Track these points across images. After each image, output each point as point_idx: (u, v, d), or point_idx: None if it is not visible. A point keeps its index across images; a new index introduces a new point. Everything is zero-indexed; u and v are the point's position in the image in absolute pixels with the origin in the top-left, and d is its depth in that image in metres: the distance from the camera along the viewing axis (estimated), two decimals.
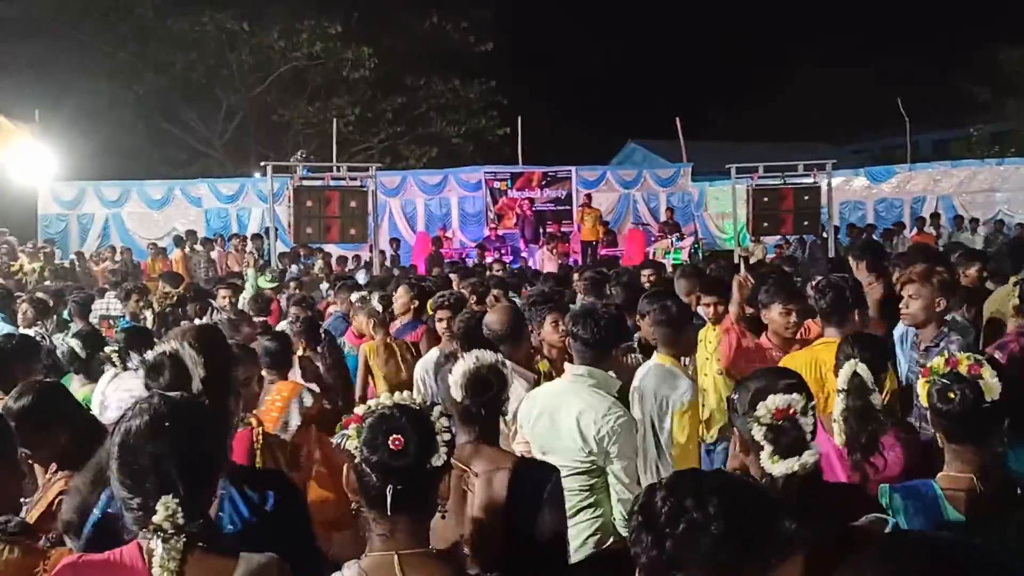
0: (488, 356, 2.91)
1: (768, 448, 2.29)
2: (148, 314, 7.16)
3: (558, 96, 34.74)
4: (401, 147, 28.31)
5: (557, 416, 3.63)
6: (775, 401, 2.32)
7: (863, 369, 3.19)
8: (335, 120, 21.58)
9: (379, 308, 6.19)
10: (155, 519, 1.90)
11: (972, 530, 2.38)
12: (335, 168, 15.68)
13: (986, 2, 33.43)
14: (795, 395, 2.34)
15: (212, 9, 24.99)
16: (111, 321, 9.22)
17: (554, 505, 2.80)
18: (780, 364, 4.26)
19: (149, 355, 2.63)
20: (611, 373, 3.84)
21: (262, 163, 16.68)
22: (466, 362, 2.87)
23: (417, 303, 6.72)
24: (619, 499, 3.54)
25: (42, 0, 23.50)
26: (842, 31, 38.27)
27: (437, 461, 2.06)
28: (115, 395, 4.85)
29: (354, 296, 7.36)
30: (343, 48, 26.38)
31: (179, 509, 1.90)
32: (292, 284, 11.47)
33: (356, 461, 2.04)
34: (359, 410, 2.10)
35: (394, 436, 2.01)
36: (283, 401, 4.91)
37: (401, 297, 6.76)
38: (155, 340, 6.73)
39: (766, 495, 1.80)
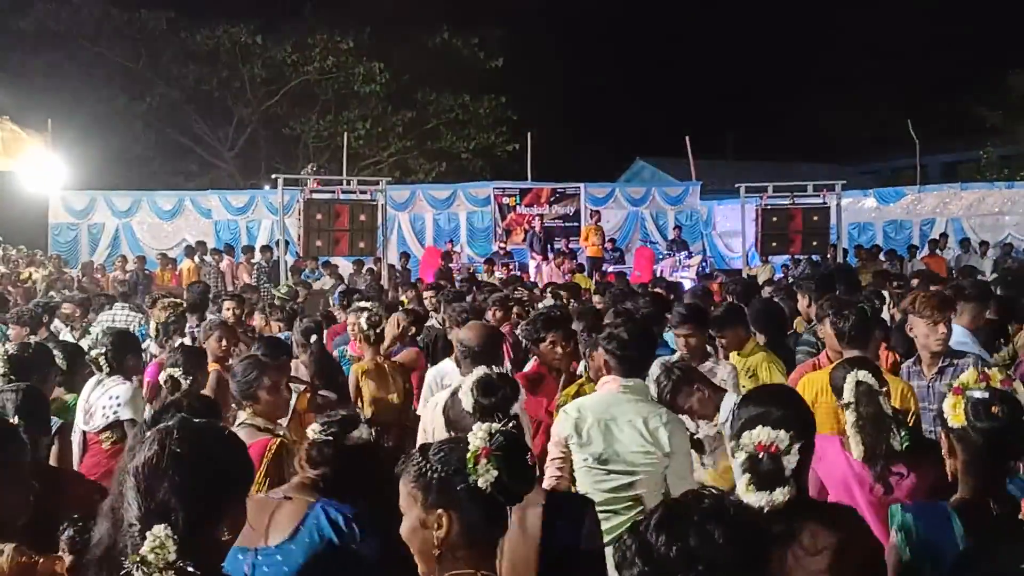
0: (496, 369, 2.94)
1: (745, 477, 2.32)
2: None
3: (568, 113, 34.83)
4: (411, 161, 28.39)
5: (614, 424, 3.65)
6: (759, 435, 2.33)
7: (865, 375, 3.19)
8: (345, 134, 21.68)
9: (365, 327, 5.99)
10: (141, 550, 1.74)
11: (985, 553, 2.28)
12: (345, 181, 15.73)
13: (997, 26, 33.45)
14: (781, 432, 2.32)
15: (226, 23, 25.18)
16: None
17: (593, 541, 2.72)
18: (798, 385, 4.25)
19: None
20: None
21: (272, 175, 16.76)
22: (476, 372, 2.90)
23: (413, 329, 6.73)
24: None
25: (56, 12, 23.71)
26: (852, 52, 38.31)
27: None
28: (99, 401, 4.82)
29: (350, 314, 7.23)
30: (355, 62, 26.56)
31: (171, 542, 1.74)
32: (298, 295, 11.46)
33: (489, 493, 1.98)
34: (480, 443, 2.03)
35: (528, 455, 2.08)
36: None
37: (392, 327, 6.46)
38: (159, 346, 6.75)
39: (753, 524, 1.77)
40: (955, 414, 2.45)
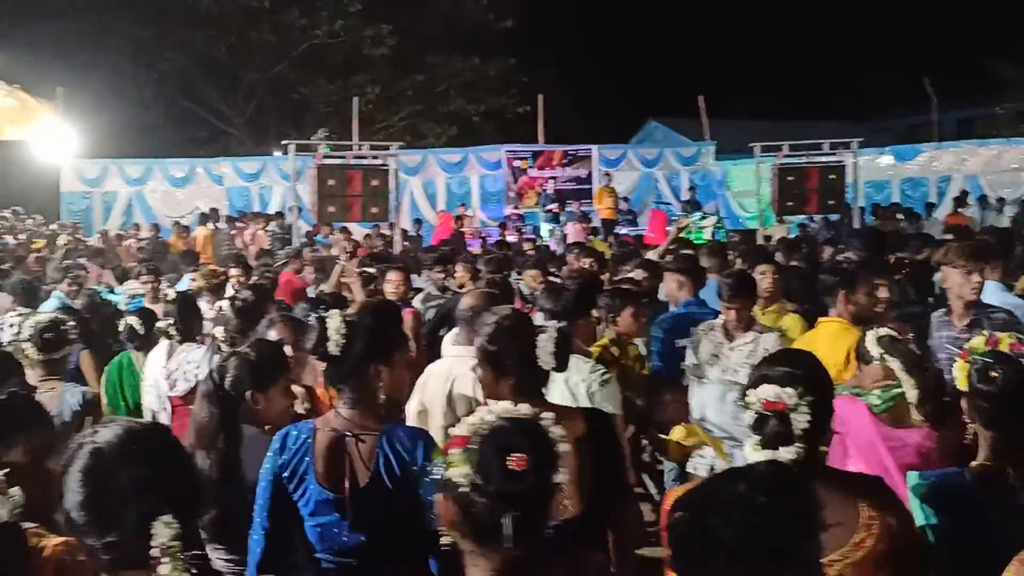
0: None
1: (753, 437, 2.28)
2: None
3: (579, 74, 34.45)
4: (421, 126, 28.24)
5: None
6: (766, 392, 2.27)
7: (886, 330, 3.25)
8: (355, 98, 21.55)
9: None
10: (155, 542, 1.64)
11: (1005, 523, 2.27)
12: (356, 147, 15.66)
13: None
14: (789, 389, 2.25)
15: None
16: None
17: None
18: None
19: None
20: None
21: (284, 142, 16.66)
22: (551, 331, 2.92)
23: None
24: None
25: None
26: (867, 7, 37.74)
27: (559, 478, 1.81)
28: (181, 368, 4.92)
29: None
30: (363, 26, 26.32)
31: (180, 528, 1.66)
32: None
33: (464, 491, 1.76)
34: (459, 430, 1.82)
35: (516, 456, 1.74)
36: None
37: (400, 282, 6.70)
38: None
39: (799, 497, 1.67)
40: (960, 378, 2.44)
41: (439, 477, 1.79)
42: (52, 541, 2.18)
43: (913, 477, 2.49)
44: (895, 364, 3.13)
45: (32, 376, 4.26)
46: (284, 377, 3.30)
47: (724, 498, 1.57)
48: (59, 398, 4.13)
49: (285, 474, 2.68)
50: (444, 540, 1.84)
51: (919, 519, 2.41)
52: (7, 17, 20.64)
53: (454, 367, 4.07)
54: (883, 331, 3.26)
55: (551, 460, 1.80)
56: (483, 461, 1.75)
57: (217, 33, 25.67)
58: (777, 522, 1.53)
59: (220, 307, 5.47)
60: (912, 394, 3.08)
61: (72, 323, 4.62)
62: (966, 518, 2.33)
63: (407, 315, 6.42)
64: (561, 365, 2.93)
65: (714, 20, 39.18)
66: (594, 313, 5.01)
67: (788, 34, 38.48)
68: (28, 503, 2.07)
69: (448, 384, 4.01)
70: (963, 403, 2.49)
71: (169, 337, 5.06)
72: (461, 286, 7.49)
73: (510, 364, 2.87)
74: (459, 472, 1.75)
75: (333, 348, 2.69)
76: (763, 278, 5.67)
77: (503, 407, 1.86)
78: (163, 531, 1.65)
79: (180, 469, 1.83)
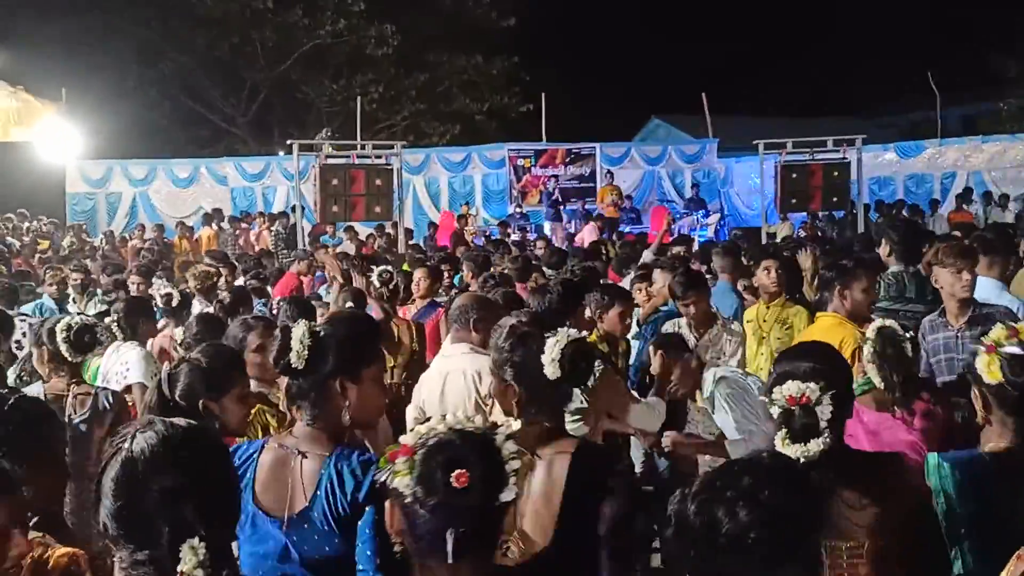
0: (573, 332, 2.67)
1: (781, 432, 2.37)
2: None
3: (581, 72, 34.44)
4: (424, 124, 28.26)
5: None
6: (790, 388, 2.37)
7: (892, 322, 3.28)
8: (359, 98, 21.57)
9: (377, 284, 6.04)
10: (182, 568, 1.57)
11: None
12: (359, 146, 15.69)
13: None
14: (811, 384, 2.35)
15: None
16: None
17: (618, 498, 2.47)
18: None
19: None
20: None
21: (287, 141, 16.70)
22: (560, 336, 2.59)
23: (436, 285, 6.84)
24: None
25: None
26: (870, 4, 37.66)
27: (507, 496, 1.71)
28: (113, 368, 4.87)
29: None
30: (366, 25, 26.34)
31: (208, 555, 1.58)
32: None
33: (407, 502, 1.69)
34: (408, 439, 1.74)
35: (458, 471, 1.66)
36: None
37: (422, 280, 6.70)
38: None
39: (804, 492, 1.68)
40: (990, 371, 2.44)
41: (386, 483, 1.72)
42: (57, 551, 2.12)
43: (933, 458, 2.54)
44: (867, 350, 3.19)
45: (59, 380, 4.22)
46: (240, 384, 3.08)
47: (729, 491, 1.59)
48: (92, 399, 4.10)
49: None
50: (396, 548, 1.78)
51: (939, 501, 2.47)
52: (11, 19, 20.69)
53: (446, 365, 4.07)
54: (889, 323, 3.29)
55: (499, 477, 1.70)
56: (426, 473, 1.67)
57: (220, 33, 25.71)
58: (781, 516, 1.56)
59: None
60: (877, 380, 3.16)
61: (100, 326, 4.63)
62: (985, 500, 2.41)
63: (439, 314, 6.44)
64: (574, 377, 2.58)
65: (716, 17, 39.16)
66: (586, 313, 5.01)
67: (791, 31, 38.39)
68: (37, 509, 2.07)
69: (441, 383, 3.99)
70: (976, 391, 2.52)
71: (113, 337, 4.94)
72: (467, 286, 7.52)
73: (517, 374, 2.59)
74: (403, 483, 1.69)
75: (296, 360, 2.47)
76: (767, 274, 5.70)
77: (454, 419, 1.76)
78: (189, 557, 1.57)
79: (217, 476, 1.73)
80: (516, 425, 1.78)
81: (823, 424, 2.33)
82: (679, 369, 4.19)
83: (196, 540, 1.57)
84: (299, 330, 2.49)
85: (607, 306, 5.00)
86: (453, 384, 3.97)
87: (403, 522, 1.73)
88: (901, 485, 2.42)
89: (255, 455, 2.50)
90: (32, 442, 2.49)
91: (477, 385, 3.89)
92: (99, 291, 8.53)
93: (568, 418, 2.93)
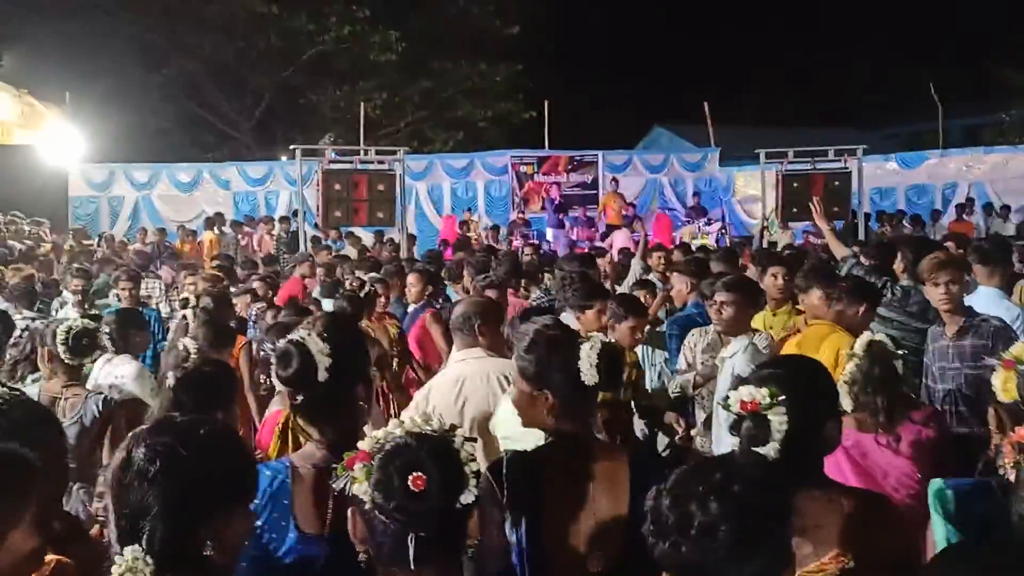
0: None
1: (733, 439, 2.27)
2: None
3: (584, 80, 34.52)
4: (428, 131, 28.30)
5: None
6: (742, 393, 2.24)
7: (883, 337, 3.18)
8: (362, 103, 21.60)
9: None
10: (113, 569, 1.61)
11: None
12: (363, 151, 15.73)
13: None
14: (764, 390, 2.20)
15: None
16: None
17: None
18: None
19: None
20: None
21: (291, 147, 16.73)
22: (594, 342, 2.54)
23: (431, 288, 7.03)
24: None
25: None
26: (871, 14, 37.72)
27: (467, 498, 1.71)
28: (106, 380, 4.81)
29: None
30: (370, 31, 26.38)
31: (147, 561, 1.61)
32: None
33: (366, 507, 1.70)
34: (364, 445, 1.73)
35: (415, 475, 1.66)
36: None
37: (414, 285, 6.97)
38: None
39: (773, 487, 1.69)
40: (1006, 389, 2.34)
41: (344, 490, 1.72)
42: (47, 558, 2.09)
43: (936, 484, 2.43)
44: (850, 368, 3.08)
45: (56, 381, 4.27)
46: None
47: (702, 485, 1.61)
48: (82, 403, 4.14)
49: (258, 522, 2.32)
50: (360, 556, 1.78)
51: (939, 530, 2.35)
52: (15, 22, 20.74)
53: (462, 371, 3.97)
54: (879, 337, 3.21)
55: (457, 479, 1.70)
56: (383, 478, 1.68)
57: (224, 38, 25.75)
58: (750, 511, 1.58)
59: (184, 316, 5.39)
60: (846, 403, 3.00)
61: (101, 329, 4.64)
62: (995, 526, 2.26)
63: (428, 315, 6.53)
64: (608, 382, 2.56)
65: (719, 27, 39.22)
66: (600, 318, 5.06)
67: (793, 41, 38.42)
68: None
69: (457, 389, 3.86)
70: (993, 414, 2.43)
71: (104, 349, 4.90)
72: (468, 292, 7.57)
73: (550, 380, 2.49)
74: (361, 488, 1.69)
75: (322, 374, 2.43)
76: (774, 280, 5.72)
77: (411, 423, 1.76)
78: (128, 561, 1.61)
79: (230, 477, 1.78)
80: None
81: (776, 433, 2.17)
82: None
83: (133, 549, 1.60)
84: (316, 343, 2.45)
85: (621, 317, 5.04)
86: (473, 388, 3.85)
87: (364, 529, 1.73)
88: (872, 529, 2.18)
89: (285, 480, 2.41)
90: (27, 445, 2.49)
91: (503, 385, 3.76)
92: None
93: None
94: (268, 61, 26.88)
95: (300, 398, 2.49)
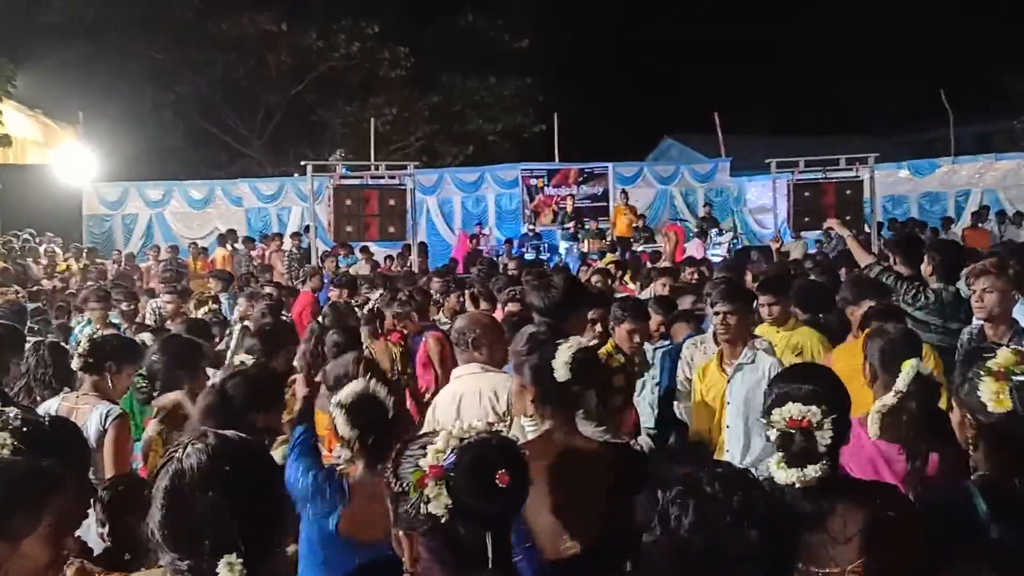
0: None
1: (777, 455, 2.31)
2: None
3: (594, 93, 34.54)
4: (438, 145, 28.41)
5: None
6: (790, 410, 2.29)
7: (926, 369, 3.03)
8: (372, 119, 21.71)
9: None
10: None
11: (1012, 531, 2.21)
12: (373, 167, 15.80)
13: None
14: (813, 407, 2.27)
15: (251, 11, 25.24)
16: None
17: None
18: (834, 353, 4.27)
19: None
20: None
21: (302, 163, 16.83)
22: (572, 343, 2.90)
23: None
24: None
25: (84, 3, 23.86)
26: (882, 22, 37.68)
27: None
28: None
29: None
30: (380, 48, 26.56)
31: (244, 570, 1.61)
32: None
33: (446, 521, 1.66)
34: (430, 460, 1.70)
35: (500, 472, 1.67)
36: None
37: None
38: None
39: (770, 496, 1.80)
40: (998, 400, 2.27)
41: (405, 515, 1.70)
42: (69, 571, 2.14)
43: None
44: (888, 402, 2.99)
45: (72, 393, 4.34)
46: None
47: (699, 498, 1.70)
48: (86, 416, 4.14)
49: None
50: None
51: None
52: (29, 43, 20.96)
53: (460, 387, 4.07)
54: (926, 371, 3.08)
55: (526, 472, 1.76)
56: (468, 483, 1.67)
57: (235, 56, 25.95)
58: (745, 525, 1.66)
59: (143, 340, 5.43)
60: (872, 430, 2.97)
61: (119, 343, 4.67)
62: (973, 530, 2.26)
63: (431, 338, 6.52)
64: (581, 380, 2.84)
65: (728, 38, 39.21)
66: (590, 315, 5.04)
67: (803, 50, 38.41)
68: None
69: (456, 406, 3.97)
70: (968, 416, 2.35)
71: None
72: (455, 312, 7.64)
73: (533, 375, 2.90)
74: (439, 504, 1.66)
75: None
76: (764, 309, 5.46)
77: (459, 431, 1.75)
78: (225, 572, 1.60)
79: (263, 495, 1.74)
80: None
81: (822, 450, 2.26)
82: None
83: (234, 556, 1.60)
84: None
85: (619, 320, 5.14)
86: (468, 405, 3.95)
87: (434, 548, 1.69)
88: (892, 519, 2.26)
89: (341, 491, 2.87)
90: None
91: (494, 404, 3.88)
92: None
93: (591, 427, 3.11)
94: (278, 78, 27.06)
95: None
